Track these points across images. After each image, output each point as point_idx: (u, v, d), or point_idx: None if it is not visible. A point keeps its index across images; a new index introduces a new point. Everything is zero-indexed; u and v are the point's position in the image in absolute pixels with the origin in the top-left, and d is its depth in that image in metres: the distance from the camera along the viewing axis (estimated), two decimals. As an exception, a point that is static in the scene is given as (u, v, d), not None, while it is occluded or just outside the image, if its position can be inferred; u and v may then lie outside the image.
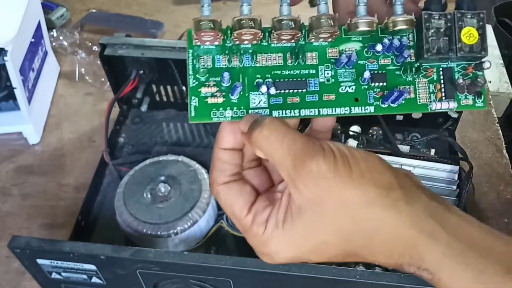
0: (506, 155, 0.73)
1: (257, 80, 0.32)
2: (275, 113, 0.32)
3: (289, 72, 0.32)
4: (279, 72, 0.32)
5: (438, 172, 0.63)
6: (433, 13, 0.31)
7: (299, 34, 0.31)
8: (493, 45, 1.04)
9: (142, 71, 0.69)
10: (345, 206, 0.28)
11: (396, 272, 0.44)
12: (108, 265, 0.49)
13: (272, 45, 0.32)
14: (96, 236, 0.63)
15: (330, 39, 0.32)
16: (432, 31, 0.31)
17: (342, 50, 0.32)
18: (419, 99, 0.33)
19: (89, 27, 0.94)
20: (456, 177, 0.62)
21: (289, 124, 0.32)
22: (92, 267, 0.50)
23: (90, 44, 0.90)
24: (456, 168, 0.62)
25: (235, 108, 0.32)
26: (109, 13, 0.97)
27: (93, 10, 0.98)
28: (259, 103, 0.32)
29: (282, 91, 0.32)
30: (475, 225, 0.29)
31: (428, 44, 0.31)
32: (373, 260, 0.29)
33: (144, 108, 0.73)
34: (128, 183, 0.61)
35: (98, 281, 0.52)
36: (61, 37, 0.90)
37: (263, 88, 0.31)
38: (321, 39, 0.32)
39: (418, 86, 0.33)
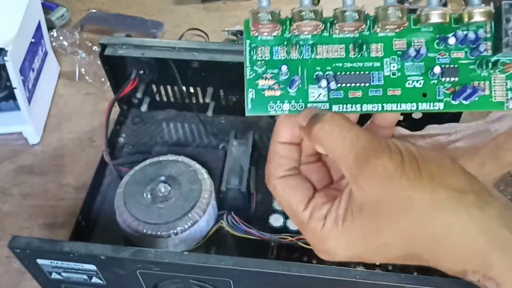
0: (506, 155, 0.73)
1: (316, 73, 0.30)
2: (335, 108, 0.30)
3: (351, 64, 0.30)
4: (340, 64, 0.30)
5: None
6: None
7: (364, 26, 0.29)
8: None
9: (142, 71, 0.69)
10: (412, 208, 0.26)
11: (397, 273, 0.44)
12: (108, 265, 0.49)
13: (334, 36, 0.30)
14: (96, 236, 0.63)
15: (397, 30, 0.30)
16: None
17: (410, 41, 0.30)
18: (494, 96, 0.30)
19: (89, 27, 0.94)
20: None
21: (351, 119, 0.30)
22: (92, 267, 0.49)
23: (90, 44, 0.90)
24: (456, 168, 0.62)
25: (293, 101, 0.30)
26: (109, 13, 0.97)
27: (93, 10, 0.97)
28: (318, 96, 0.30)
29: (343, 84, 0.30)
30: None
31: (508, 37, 0.28)
32: (435, 264, 0.28)
33: (144, 108, 0.73)
34: (128, 183, 0.61)
35: (98, 281, 0.52)
36: (61, 37, 0.90)
37: (323, 83, 0.30)
38: (388, 30, 0.30)
39: (494, 83, 0.30)
